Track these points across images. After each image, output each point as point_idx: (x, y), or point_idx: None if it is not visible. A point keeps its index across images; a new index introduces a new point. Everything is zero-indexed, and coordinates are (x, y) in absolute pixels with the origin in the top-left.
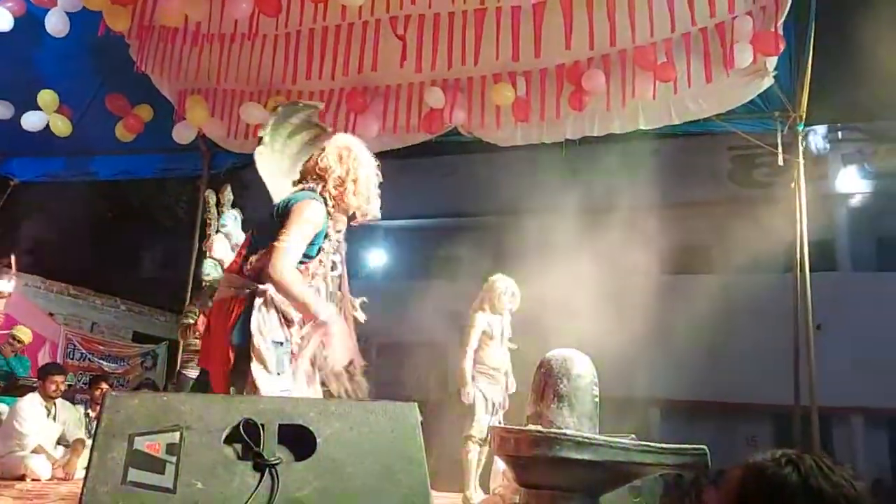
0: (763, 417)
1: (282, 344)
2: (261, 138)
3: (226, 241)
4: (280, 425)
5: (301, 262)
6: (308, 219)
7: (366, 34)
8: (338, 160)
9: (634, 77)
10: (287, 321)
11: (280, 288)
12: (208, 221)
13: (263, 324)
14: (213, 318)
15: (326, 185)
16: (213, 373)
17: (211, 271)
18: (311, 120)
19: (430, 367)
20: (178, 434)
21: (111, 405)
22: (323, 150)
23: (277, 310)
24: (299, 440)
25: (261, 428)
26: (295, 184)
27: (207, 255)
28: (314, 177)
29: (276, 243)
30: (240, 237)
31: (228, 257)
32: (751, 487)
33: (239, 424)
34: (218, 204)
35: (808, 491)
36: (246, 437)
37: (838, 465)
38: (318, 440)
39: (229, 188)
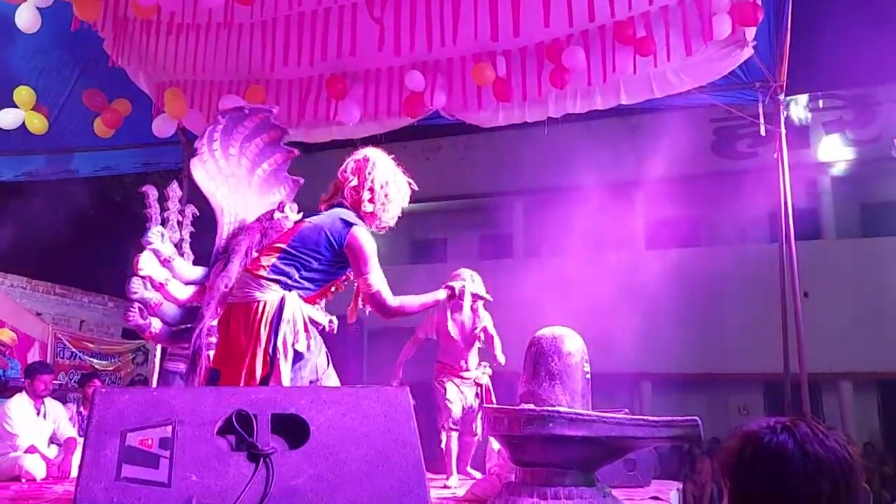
0: (754, 387)
1: (304, 356)
2: (195, 149)
3: (154, 257)
4: (273, 415)
5: (332, 280)
6: (369, 248)
7: (343, 19)
8: (354, 172)
9: (614, 52)
10: (314, 323)
11: (401, 317)
12: (149, 216)
13: (290, 333)
14: (235, 319)
15: (345, 197)
16: (228, 375)
17: (137, 289)
18: (268, 122)
19: (418, 353)
20: (170, 428)
21: (102, 402)
22: (361, 165)
23: (304, 316)
24: (293, 429)
25: (253, 418)
26: (325, 199)
27: (136, 273)
28: (338, 191)
29: (368, 290)
30: (168, 252)
31: (158, 274)
32: (748, 456)
33: (231, 416)
34: (163, 199)
35: (804, 457)
36: (239, 429)
37: (831, 429)
38: (311, 428)
39: (176, 184)
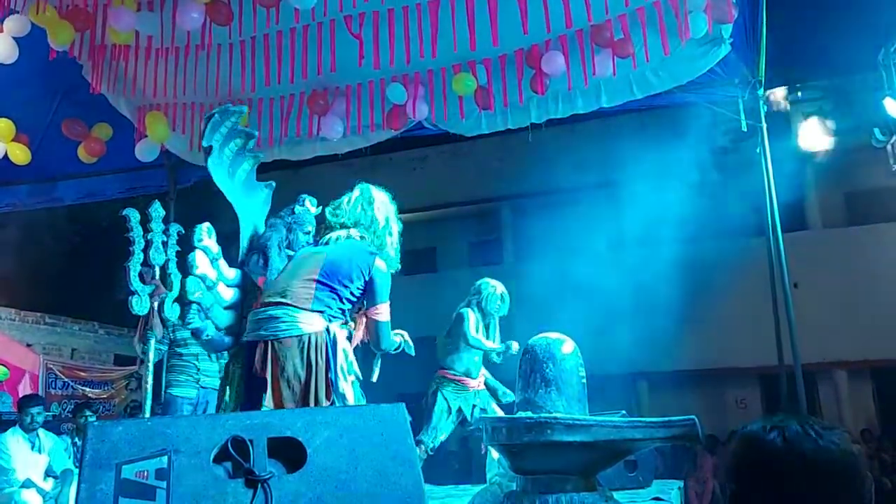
0: (750, 380)
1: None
2: (209, 148)
3: (205, 255)
4: (269, 439)
5: (356, 309)
6: (388, 279)
7: (321, 35)
8: (382, 215)
9: (593, 55)
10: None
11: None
12: (132, 240)
13: (345, 361)
14: (281, 353)
15: (376, 237)
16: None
17: (196, 289)
18: (237, 127)
19: (413, 364)
20: (165, 458)
21: (95, 435)
22: (367, 201)
23: (348, 347)
24: (290, 452)
25: (249, 444)
26: (340, 227)
27: (191, 272)
28: (363, 227)
29: (377, 319)
30: (216, 250)
31: (211, 273)
32: (742, 458)
33: (227, 442)
34: (145, 221)
35: (791, 455)
36: (235, 455)
37: (830, 427)
38: (308, 451)
39: (158, 203)
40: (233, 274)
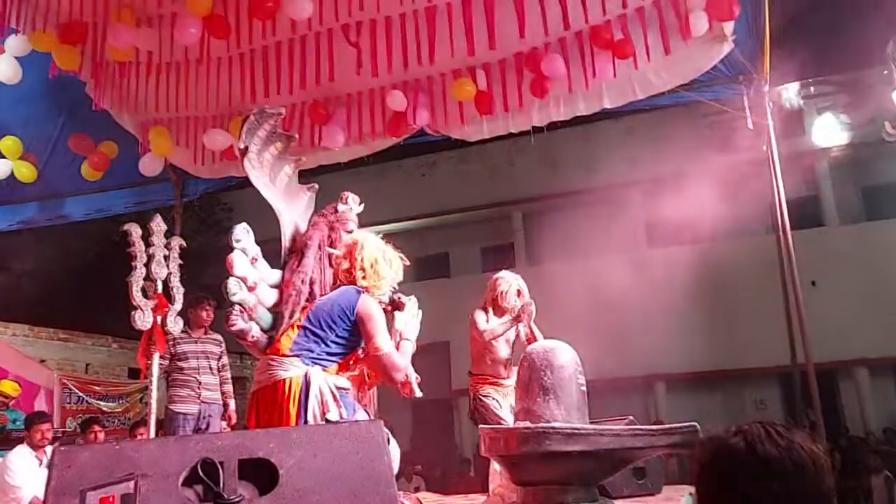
0: (768, 380)
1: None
2: (245, 150)
3: (244, 256)
4: (241, 461)
5: (350, 352)
6: (376, 313)
7: (319, 45)
8: (346, 256)
9: (593, 57)
10: (343, 389)
11: (405, 371)
12: (133, 255)
13: (318, 406)
14: (262, 403)
15: (341, 280)
16: None
17: (236, 290)
18: (276, 131)
19: (427, 369)
20: (132, 483)
21: (60, 461)
22: (353, 248)
23: (329, 387)
24: (262, 474)
25: (219, 466)
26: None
27: (230, 273)
28: (336, 277)
29: (377, 354)
30: (255, 251)
31: (251, 274)
32: (705, 461)
33: (196, 465)
34: (148, 234)
35: (753, 457)
36: (205, 478)
37: (797, 428)
38: (280, 472)
39: (159, 218)
40: (274, 275)
